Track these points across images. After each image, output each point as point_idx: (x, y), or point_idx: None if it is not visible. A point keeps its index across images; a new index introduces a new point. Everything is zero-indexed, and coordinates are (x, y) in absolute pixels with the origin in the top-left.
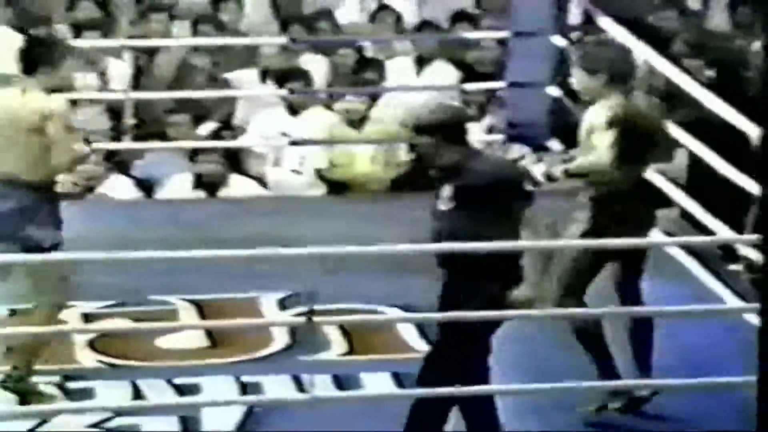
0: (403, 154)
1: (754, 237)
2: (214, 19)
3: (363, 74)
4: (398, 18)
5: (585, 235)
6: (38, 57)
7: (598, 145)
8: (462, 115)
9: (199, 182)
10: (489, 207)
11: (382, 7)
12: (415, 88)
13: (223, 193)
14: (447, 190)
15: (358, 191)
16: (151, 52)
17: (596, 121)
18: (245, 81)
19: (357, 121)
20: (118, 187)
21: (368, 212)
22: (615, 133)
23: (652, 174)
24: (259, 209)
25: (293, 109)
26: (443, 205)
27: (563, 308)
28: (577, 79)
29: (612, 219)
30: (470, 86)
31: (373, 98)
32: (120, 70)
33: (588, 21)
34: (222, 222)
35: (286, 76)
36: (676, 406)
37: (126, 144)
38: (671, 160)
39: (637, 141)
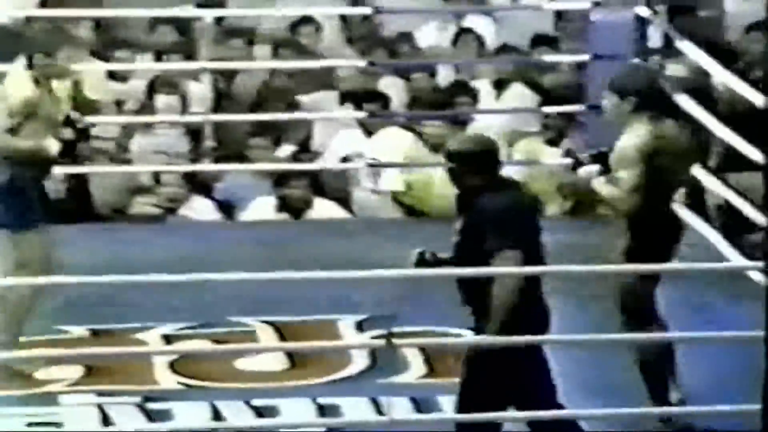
0: None
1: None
2: (294, 42)
3: (454, 98)
4: (480, 41)
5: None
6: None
7: (620, 177)
8: (491, 147)
9: (283, 205)
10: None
11: (465, 31)
12: (494, 111)
13: (307, 216)
14: (457, 223)
15: (435, 215)
16: (231, 76)
17: (624, 150)
18: (323, 104)
19: (440, 145)
20: (200, 209)
21: (449, 235)
22: (640, 166)
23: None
24: (340, 231)
25: (369, 131)
26: (453, 237)
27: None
28: (608, 102)
29: (644, 243)
30: (549, 109)
31: (461, 122)
32: (200, 93)
33: (668, 45)
34: (302, 243)
35: (363, 98)
36: None
37: (206, 166)
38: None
39: (664, 172)
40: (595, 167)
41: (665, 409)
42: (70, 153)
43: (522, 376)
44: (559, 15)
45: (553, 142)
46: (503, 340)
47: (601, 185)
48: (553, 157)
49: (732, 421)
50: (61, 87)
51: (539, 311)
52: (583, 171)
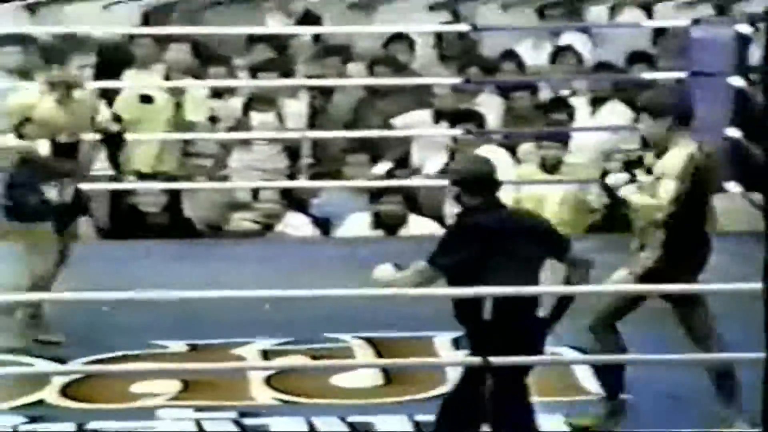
0: (596, 200)
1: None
2: (389, 60)
3: (552, 115)
4: (578, 58)
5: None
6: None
7: (661, 193)
8: (489, 169)
9: (378, 221)
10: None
11: (563, 48)
12: (592, 128)
13: (402, 232)
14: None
15: None
16: (328, 93)
17: (670, 161)
18: (418, 122)
19: (551, 166)
20: (296, 225)
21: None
22: (684, 179)
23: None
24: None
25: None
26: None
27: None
28: (643, 123)
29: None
30: (644, 126)
31: (560, 139)
32: (296, 110)
33: None
34: (398, 260)
35: (458, 117)
36: None
37: (304, 182)
38: None
39: (703, 187)
40: (625, 175)
41: None
42: (67, 155)
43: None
44: (658, 32)
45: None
46: (604, 359)
47: (633, 194)
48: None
49: None
50: (83, 96)
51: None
52: (612, 178)
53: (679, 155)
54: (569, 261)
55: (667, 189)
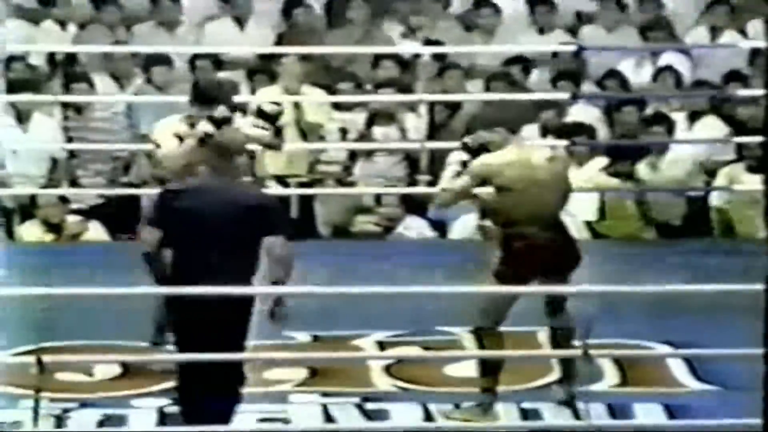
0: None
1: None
2: (505, 77)
3: (653, 128)
4: (678, 78)
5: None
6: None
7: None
8: None
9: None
10: None
11: (664, 68)
12: (688, 141)
13: None
14: None
15: (621, 238)
16: (452, 108)
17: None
18: (528, 136)
19: (624, 177)
20: (415, 228)
21: (636, 256)
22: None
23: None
24: None
25: (578, 162)
26: None
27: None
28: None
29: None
30: (740, 139)
31: (659, 151)
32: (416, 124)
33: None
34: None
35: (567, 131)
36: None
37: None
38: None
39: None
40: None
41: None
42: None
43: None
44: (755, 53)
45: (752, 169)
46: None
47: (448, 173)
48: (753, 183)
49: None
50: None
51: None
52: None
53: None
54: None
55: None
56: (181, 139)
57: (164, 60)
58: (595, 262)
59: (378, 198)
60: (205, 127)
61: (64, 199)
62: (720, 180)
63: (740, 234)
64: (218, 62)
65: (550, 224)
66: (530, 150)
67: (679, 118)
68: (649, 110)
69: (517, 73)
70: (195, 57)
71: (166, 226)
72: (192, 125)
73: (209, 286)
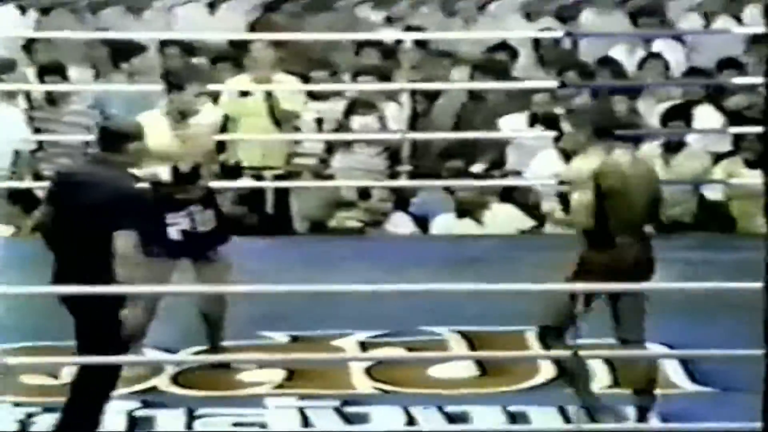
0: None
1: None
2: (492, 65)
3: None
4: (666, 66)
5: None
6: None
7: (574, 199)
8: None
9: (461, 210)
10: None
11: (652, 55)
12: (683, 131)
13: (486, 219)
14: None
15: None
16: (432, 98)
17: (574, 174)
18: (514, 126)
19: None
20: (399, 223)
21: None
22: (591, 189)
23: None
24: (532, 245)
25: (567, 154)
26: None
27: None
28: (565, 134)
29: (599, 266)
30: (734, 130)
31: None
32: (397, 114)
33: None
34: (492, 256)
35: (556, 120)
36: None
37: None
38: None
39: (617, 197)
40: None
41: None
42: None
43: None
44: (753, 39)
45: (750, 164)
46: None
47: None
48: (752, 177)
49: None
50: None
51: None
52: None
53: (584, 161)
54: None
55: (578, 194)
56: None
57: (138, 48)
58: None
59: (363, 191)
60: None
61: (26, 194)
62: (717, 173)
63: (738, 229)
64: (189, 49)
65: (640, 234)
66: (621, 153)
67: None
68: (642, 99)
69: (503, 60)
70: (164, 43)
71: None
72: (179, 117)
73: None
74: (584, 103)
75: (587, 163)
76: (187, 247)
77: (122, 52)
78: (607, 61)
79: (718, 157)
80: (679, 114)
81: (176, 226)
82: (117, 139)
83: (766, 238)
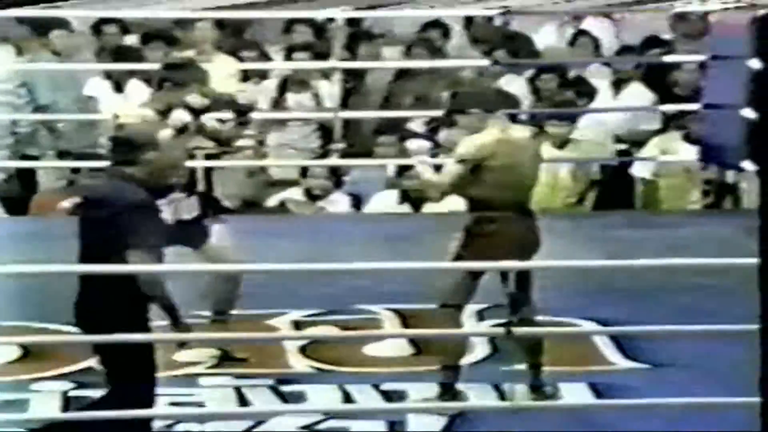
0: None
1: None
2: (425, 43)
3: (569, 92)
4: (596, 43)
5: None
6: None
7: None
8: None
9: (405, 197)
10: None
11: (581, 33)
12: (614, 109)
13: (427, 208)
14: None
15: (558, 210)
16: (361, 75)
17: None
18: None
19: (560, 144)
20: (335, 202)
21: (568, 229)
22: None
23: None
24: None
25: None
26: None
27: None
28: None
29: (484, 240)
30: (666, 107)
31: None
32: (331, 92)
33: None
34: (424, 236)
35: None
36: None
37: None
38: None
39: (505, 172)
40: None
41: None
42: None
43: None
44: (678, 17)
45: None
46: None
47: (426, 167)
48: (688, 153)
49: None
50: None
51: None
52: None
53: (472, 139)
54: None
55: (449, 169)
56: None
57: (62, 23)
58: None
59: (303, 170)
60: (181, 116)
61: None
62: (650, 150)
63: (665, 206)
64: (126, 28)
65: (525, 209)
66: (512, 129)
67: (603, 85)
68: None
69: (436, 39)
70: (101, 21)
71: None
72: (161, 112)
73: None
74: (470, 85)
75: (476, 138)
76: (171, 236)
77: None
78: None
79: (652, 134)
80: (580, 85)
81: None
82: (130, 149)
83: (761, 217)
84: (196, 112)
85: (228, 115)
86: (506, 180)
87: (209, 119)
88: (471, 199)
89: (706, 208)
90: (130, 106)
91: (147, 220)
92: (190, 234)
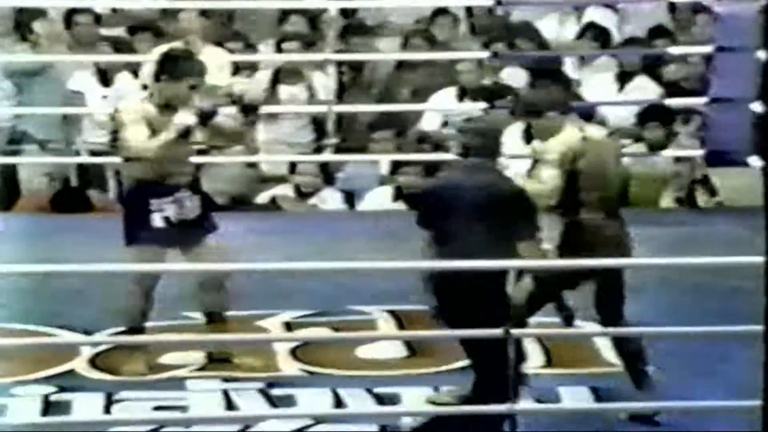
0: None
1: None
2: (423, 33)
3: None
4: (605, 34)
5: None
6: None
7: (542, 175)
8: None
9: (399, 194)
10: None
11: (589, 25)
12: (617, 103)
13: None
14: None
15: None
16: (358, 68)
17: (551, 152)
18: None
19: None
20: (327, 199)
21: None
22: (561, 167)
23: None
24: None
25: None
26: None
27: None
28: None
29: (580, 242)
30: (672, 101)
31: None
32: (325, 84)
33: None
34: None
35: (494, 93)
36: None
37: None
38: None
39: (588, 175)
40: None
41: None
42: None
43: None
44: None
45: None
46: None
47: (526, 180)
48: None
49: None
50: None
51: None
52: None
53: (555, 144)
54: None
55: (545, 177)
56: (151, 126)
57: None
58: None
59: (292, 166)
60: (186, 118)
61: None
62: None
63: (636, 202)
64: (98, 17)
65: (614, 211)
66: (588, 128)
67: (608, 78)
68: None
69: (444, 30)
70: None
71: None
72: (162, 107)
73: None
74: (535, 91)
75: (562, 141)
76: (174, 236)
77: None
78: (529, 32)
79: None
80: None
81: (161, 213)
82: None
83: (766, 213)
84: (203, 116)
85: (233, 111)
86: (596, 182)
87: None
88: (563, 205)
89: (679, 203)
90: (131, 101)
91: (531, 212)
92: (190, 233)
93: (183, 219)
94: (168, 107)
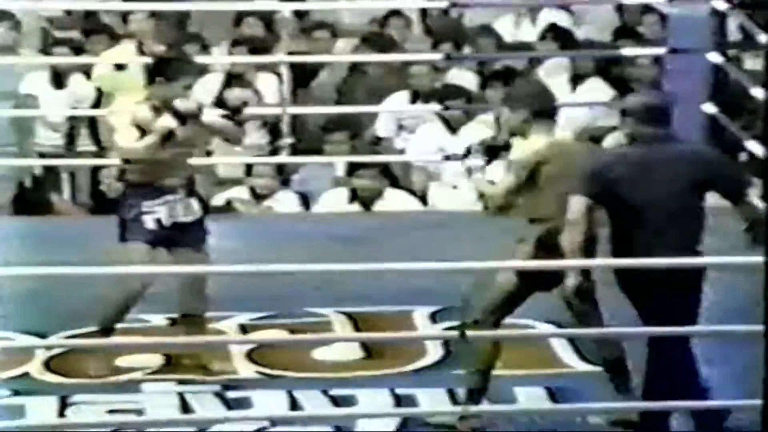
0: None
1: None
2: (377, 37)
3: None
4: (567, 36)
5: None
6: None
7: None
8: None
9: (354, 196)
10: None
11: (552, 27)
12: (572, 104)
13: (378, 207)
14: None
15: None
16: (313, 70)
17: (518, 157)
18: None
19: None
20: (284, 201)
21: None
22: (523, 172)
23: None
24: (416, 224)
25: (452, 126)
26: None
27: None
28: (502, 115)
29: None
30: (623, 103)
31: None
32: (276, 87)
33: (747, 37)
34: (378, 236)
35: (445, 94)
36: None
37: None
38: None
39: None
40: (479, 161)
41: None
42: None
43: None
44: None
45: None
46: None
47: (479, 180)
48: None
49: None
50: None
51: None
52: (468, 162)
53: (523, 148)
54: None
55: (504, 180)
56: (141, 129)
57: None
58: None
59: (248, 169)
60: (167, 122)
61: None
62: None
63: None
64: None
65: None
66: (563, 134)
67: (562, 81)
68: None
69: (398, 31)
70: None
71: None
72: (156, 109)
73: None
74: (521, 85)
75: (531, 145)
76: (165, 238)
77: None
78: (486, 31)
79: (608, 131)
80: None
81: (152, 215)
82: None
83: (767, 213)
84: (183, 117)
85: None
86: (563, 188)
87: (212, 115)
88: (529, 211)
89: None
90: (122, 104)
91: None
92: (181, 238)
93: (175, 222)
94: (162, 109)
